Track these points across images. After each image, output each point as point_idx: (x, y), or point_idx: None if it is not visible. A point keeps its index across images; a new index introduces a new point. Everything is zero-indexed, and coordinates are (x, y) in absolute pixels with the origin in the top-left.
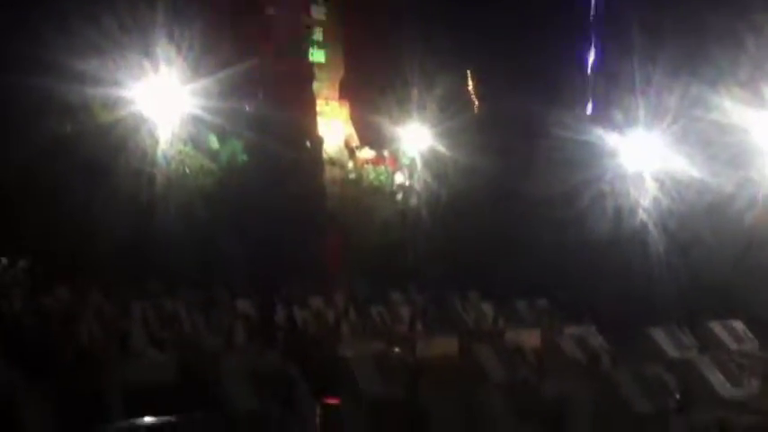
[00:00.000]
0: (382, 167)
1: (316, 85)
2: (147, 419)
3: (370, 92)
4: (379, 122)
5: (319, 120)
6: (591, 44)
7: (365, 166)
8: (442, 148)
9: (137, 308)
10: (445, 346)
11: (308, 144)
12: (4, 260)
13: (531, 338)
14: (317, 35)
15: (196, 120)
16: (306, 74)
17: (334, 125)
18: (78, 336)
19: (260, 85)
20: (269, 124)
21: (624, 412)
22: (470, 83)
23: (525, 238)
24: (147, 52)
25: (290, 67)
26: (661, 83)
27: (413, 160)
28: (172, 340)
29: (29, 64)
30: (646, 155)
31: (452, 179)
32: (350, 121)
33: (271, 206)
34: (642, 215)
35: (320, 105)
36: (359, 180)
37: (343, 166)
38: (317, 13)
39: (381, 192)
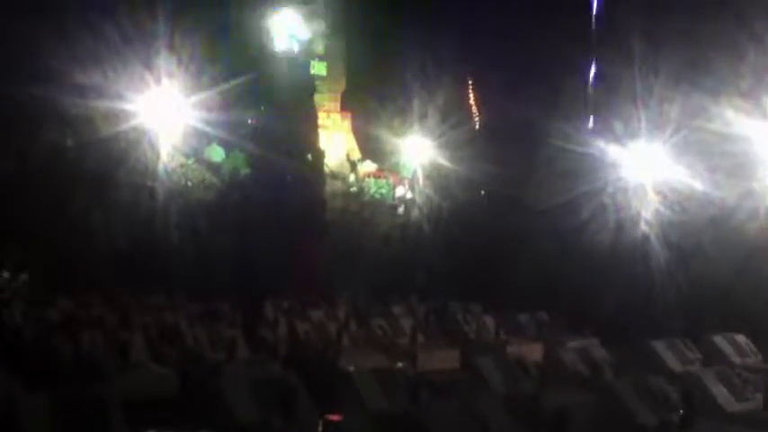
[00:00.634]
0: (383, 181)
1: (317, 98)
2: None
3: (371, 104)
4: (380, 135)
5: (321, 132)
6: (592, 55)
7: (367, 179)
8: (443, 160)
9: (138, 320)
10: (447, 358)
11: (309, 157)
12: (6, 273)
13: (532, 351)
14: (319, 48)
15: (198, 132)
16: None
17: (335, 138)
18: (79, 348)
19: (262, 97)
20: (271, 137)
21: (627, 425)
22: (471, 95)
23: (527, 250)
24: (149, 64)
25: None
26: (662, 93)
27: (414, 173)
28: (173, 353)
29: (31, 75)
30: (647, 166)
31: (453, 191)
32: (351, 134)
33: (272, 219)
34: (644, 226)
35: (322, 118)
36: (360, 193)
37: (344, 180)
38: (319, 26)
39: (383, 205)
